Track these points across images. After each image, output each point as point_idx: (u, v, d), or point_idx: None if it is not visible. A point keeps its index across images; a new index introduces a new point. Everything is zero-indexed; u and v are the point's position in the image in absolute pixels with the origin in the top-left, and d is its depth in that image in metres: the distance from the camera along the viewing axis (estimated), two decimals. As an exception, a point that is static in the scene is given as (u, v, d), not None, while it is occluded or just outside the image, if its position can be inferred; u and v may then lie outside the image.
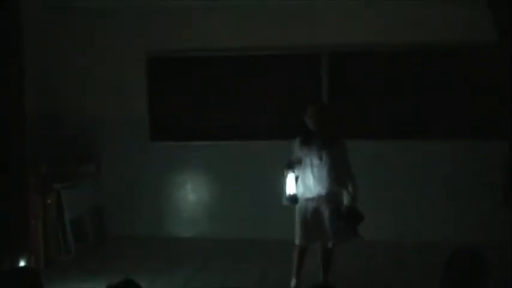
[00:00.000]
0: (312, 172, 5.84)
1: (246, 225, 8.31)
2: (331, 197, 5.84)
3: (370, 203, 6.35)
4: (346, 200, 5.83)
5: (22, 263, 6.13)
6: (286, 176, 5.82)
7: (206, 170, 8.57)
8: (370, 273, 6.81)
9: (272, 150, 7.91)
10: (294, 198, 5.82)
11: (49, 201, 7.28)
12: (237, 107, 8.50)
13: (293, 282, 6.05)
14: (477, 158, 7.88)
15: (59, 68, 8.60)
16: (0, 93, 6.36)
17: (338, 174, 5.82)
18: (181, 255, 7.69)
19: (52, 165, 7.77)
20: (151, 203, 8.64)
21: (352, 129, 7.91)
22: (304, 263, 6.03)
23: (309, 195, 5.87)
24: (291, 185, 5.82)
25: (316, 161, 5.82)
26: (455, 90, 7.95)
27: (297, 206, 5.93)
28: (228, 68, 8.49)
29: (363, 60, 8.19)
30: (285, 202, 5.88)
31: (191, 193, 8.66)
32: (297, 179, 5.89)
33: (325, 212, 5.82)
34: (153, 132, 8.68)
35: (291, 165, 5.84)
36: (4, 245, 6.14)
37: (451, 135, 8.02)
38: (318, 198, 5.85)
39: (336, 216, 5.77)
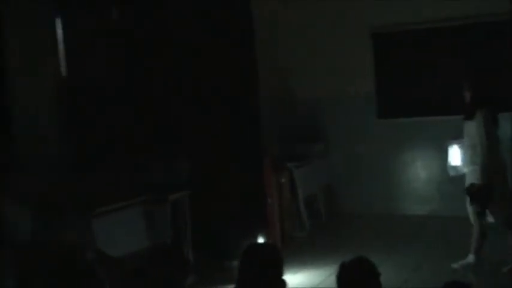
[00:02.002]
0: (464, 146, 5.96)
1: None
2: (469, 174, 5.85)
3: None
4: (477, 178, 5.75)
5: (261, 239, 6.47)
6: (449, 148, 6.08)
7: (436, 146, 8.28)
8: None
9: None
10: (455, 169, 6.04)
11: (283, 180, 7.58)
12: (463, 79, 8.06)
13: (470, 258, 5.93)
14: None
15: (288, 51, 8.88)
16: (237, 80, 6.79)
17: (473, 149, 5.78)
18: (413, 234, 7.57)
19: (284, 146, 8.08)
20: (381, 180, 8.60)
21: None
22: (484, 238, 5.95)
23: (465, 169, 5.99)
24: (454, 156, 6.05)
25: (464, 135, 5.90)
26: None
27: None
28: (454, 39, 8.11)
29: None
30: (448, 172, 6.20)
31: (421, 170, 8.46)
32: None
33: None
34: (380, 109, 8.62)
35: (455, 137, 6.07)
36: (245, 222, 6.55)
37: None
38: (466, 173, 5.91)
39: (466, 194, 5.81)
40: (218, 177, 6.60)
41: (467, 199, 5.90)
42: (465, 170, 5.92)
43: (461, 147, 6.03)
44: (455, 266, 5.96)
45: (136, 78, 6.22)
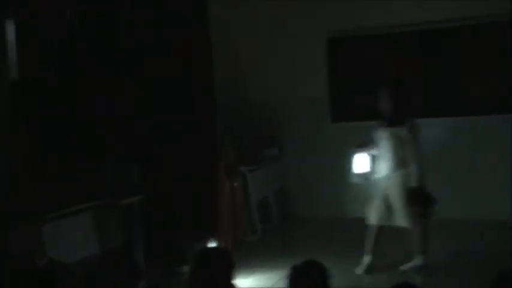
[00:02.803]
0: (382, 152, 6.00)
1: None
2: (397, 178, 5.90)
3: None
4: (412, 182, 5.85)
5: (212, 243, 6.46)
6: (354, 155, 6.17)
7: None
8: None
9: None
10: (363, 176, 6.14)
11: (236, 184, 7.58)
12: (418, 83, 8.22)
13: (418, 260, 6.04)
14: None
15: (243, 54, 8.88)
16: (191, 82, 6.77)
17: (403, 154, 5.86)
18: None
19: (238, 149, 8.09)
20: (333, 183, 8.65)
21: None
22: (378, 241, 6.19)
23: (379, 175, 6.05)
24: (359, 164, 6.14)
25: (384, 142, 5.96)
26: None
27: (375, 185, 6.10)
28: (410, 44, 8.26)
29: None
30: (351, 179, 6.27)
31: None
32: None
33: (393, 193, 5.92)
34: (334, 113, 8.69)
35: (360, 145, 6.18)
36: (197, 226, 6.53)
37: None
38: (386, 179, 5.98)
39: (404, 199, 5.88)
40: (170, 181, 6.57)
41: (374, 204, 6.11)
42: (392, 174, 5.96)
43: (368, 153, 6.18)
44: (403, 268, 6.06)
45: (88, 80, 6.13)
